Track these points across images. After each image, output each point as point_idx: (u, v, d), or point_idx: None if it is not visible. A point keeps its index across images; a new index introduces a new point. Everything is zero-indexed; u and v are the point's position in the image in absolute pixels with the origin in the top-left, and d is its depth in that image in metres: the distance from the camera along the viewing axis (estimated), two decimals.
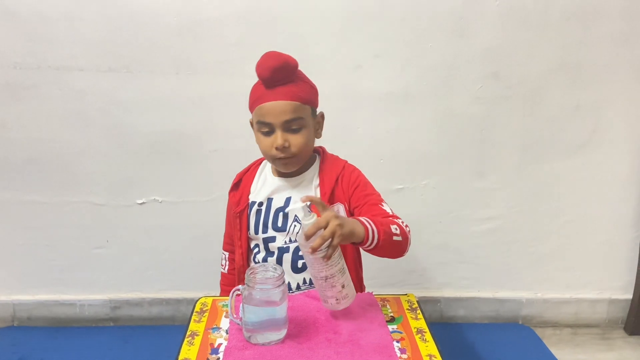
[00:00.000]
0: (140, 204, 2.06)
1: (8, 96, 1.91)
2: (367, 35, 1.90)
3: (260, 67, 1.17)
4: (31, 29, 1.85)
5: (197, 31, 1.87)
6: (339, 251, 1.03)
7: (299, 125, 1.20)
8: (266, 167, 1.34)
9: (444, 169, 2.05)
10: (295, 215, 1.25)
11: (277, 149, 1.19)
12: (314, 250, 0.96)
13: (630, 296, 2.20)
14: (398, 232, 1.10)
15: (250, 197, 1.31)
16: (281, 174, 1.30)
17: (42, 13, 1.83)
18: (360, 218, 1.07)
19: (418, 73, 1.94)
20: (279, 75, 1.16)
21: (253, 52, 1.86)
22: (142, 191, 2.05)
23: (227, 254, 1.40)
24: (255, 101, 1.22)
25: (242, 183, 1.33)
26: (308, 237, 0.98)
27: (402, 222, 1.16)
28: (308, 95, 1.22)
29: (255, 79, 1.24)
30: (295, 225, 1.25)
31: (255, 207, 1.29)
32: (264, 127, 1.20)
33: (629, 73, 1.96)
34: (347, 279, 1.07)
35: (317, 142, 1.32)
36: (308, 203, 1.02)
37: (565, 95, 1.98)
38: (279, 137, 1.19)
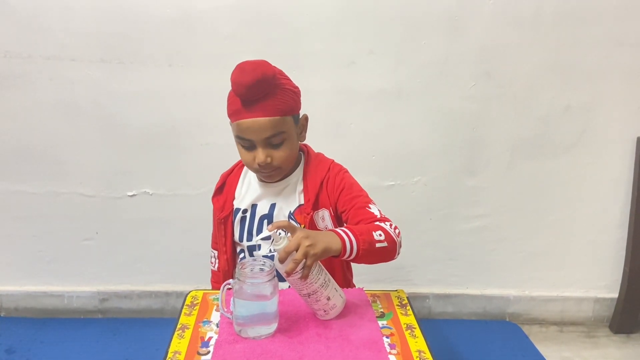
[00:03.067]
0: (131, 196, 2.05)
1: None
2: (361, 32, 1.90)
3: (235, 84, 1.09)
4: (22, 17, 1.83)
5: (190, 23, 1.86)
6: (318, 266, 1.02)
7: (281, 140, 1.15)
8: (250, 171, 1.30)
9: (435, 166, 2.06)
10: None
11: (259, 165, 1.15)
12: (289, 274, 0.96)
13: (616, 295, 2.23)
14: (382, 237, 1.08)
15: (234, 202, 1.28)
16: (264, 180, 1.27)
17: (33, 2, 1.81)
18: (338, 229, 1.05)
19: (411, 70, 1.94)
20: (256, 92, 1.09)
21: (246, 46, 1.88)
22: (133, 183, 2.04)
23: (215, 252, 1.38)
24: (232, 114, 1.15)
25: (225, 187, 1.30)
26: (282, 262, 0.98)
27: (391, 225, 1.13)
28: (288, 105, 1.15)
29: None
30: (280, 233, 1.24)
31: (240, 214, 1.26)
32: (244, 142, 1.16)
33: (619, 75, 1.98)
34: (331, 290, 1.06)
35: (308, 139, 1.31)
36: (276, 231, 1.00)
37: (556, 95, 1.99)
38: (260, 154, 1.14)
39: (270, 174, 1.20)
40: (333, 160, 1.30)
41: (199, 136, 1.98)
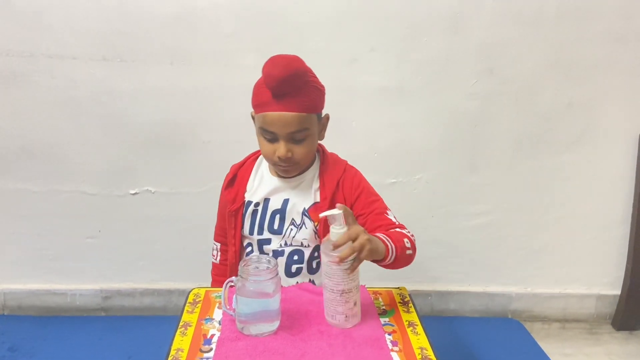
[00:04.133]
0: (133, 194, 2.05)
1: (0, 83, 1.89)
2: (363, 29, 1.90)
3: (267, 76, 1.11)
4: (25, 16, 1.83)
5: (192, 21, 1.86)
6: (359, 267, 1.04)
7: (304, 136, 1.16)
8: (262, 164, 1.31)
9: (437, 163, 2.06)
10: (293, 219, 1.23)
11: (279, 158, 1.16)
12: (342, 260, 0.96)
13: (618, 292, 2.23)
14: (409, 245, 1.12)
15: (246, 195, 1.27)
16: (279, 174, 1.27)
17: (35, 0, 1.81)
18: (379, 235, 1.07)
19: (413, 68, 1.94)
20: (287, 87, 1.10)
21: (248, 44, 1.88)
22: (135, 181, 2.04)
23: (218, 244, 1.38)
24: (259, 106, 1.16)
25: (237, 179, 1.29)
26: (337, 247, 0.97)
27: (410, 234, 1.17)
28: (315, 103, 1.17)
29: (253, 70, 1.21)
30: (291, 229, 1.23)
31: (252, 207, 1.26)
32: (266, 134, 1.16)
33: (621, 71, 1.97)
34: (359, 297, 1.06)
35: None
36: (342, 211, 1.00)
37: (558, 92, 1.99)
38: (282, 148, 1.15)
39: (288, 169, 1.21)
40: (347, 161, 1.31)
41: (201, 134, 1.98)
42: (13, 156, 1.98)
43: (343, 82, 1.93)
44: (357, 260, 0.99)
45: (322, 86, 1.20)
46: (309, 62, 1.27)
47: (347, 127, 1.97)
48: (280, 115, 1.12)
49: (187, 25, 1.86)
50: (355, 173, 1.29)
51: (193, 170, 2.02)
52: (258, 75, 1.31)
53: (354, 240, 0.97)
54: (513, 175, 2.09)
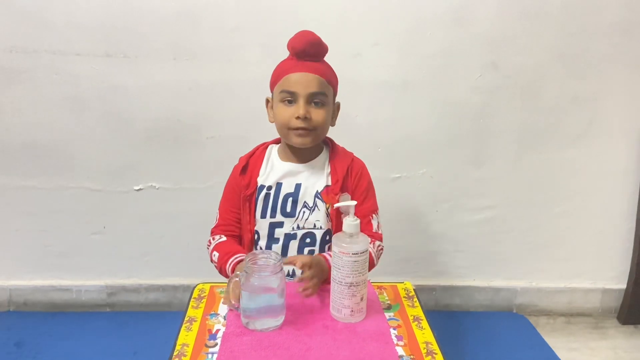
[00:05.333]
0: (137, 190, 2.05)
1: (3, 80, 1.90)
2: (366, 23, 1.89)
3: (295, 40, 1.20)
4: (27, 13, 1.83)
5: (195, 16, 1.86)
6: (367, 262, 1.06)
7: (322, 101, 1.22)
8: (272, 153, 1.32)
9: (441, 158, 2.05)
10: (305, 202, 1.25)
11: (297, 117, 1.20)
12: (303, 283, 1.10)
13: (623, 286, 2.22)
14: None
15: (258, 179, 1.29)
16: (290, 159, 1.29)
17: None
18: (327, 257, 1.17)
19: (416, 61, 1.93)
20: (312, 50, 1.20)
21: (251, 38, 1.88)
22: (139, 177, 2.04)
23: (221, 237, 1.33)
24: (281, 72, 1.23)
25: (249, 167, 1.30)
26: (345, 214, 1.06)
27: (378, 246, 1.26)
28: (333, 78, 1.27)
29: (268, 62, 1.26)
30: (304, 212, 1.25)
31: (264, 191, 1.27)
32: (287, 96, 1.21)
33: (627, 65, 1.96)
34: (366, 294, 1.08)
35: None
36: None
37: (563, 86, 1.98)
38: (301, 107, 1.20)
39: (303, 135, 1.22)
40: (353, 154, 1.35)
41: (204, 129, 1.98)
42: (17, 153, 1.98)
43: (346, 77, 1.88)
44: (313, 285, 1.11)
45: (337, 75, 1.30)
46: None
47: (351, 121, 1.96)
48: (303, 75, 1.20)
49: (190, 20, 1.86)
50: (362, 166, 1.33)
51: (197, 165, 2.02)
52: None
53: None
54: (518, 170, 2.08)
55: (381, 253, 1.28)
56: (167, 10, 1.84)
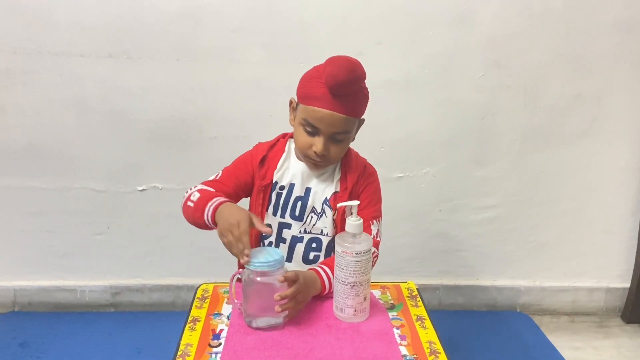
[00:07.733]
0: (141, 190, 2.06)
1: (7, 82, 1.90)
2: (369, 22, 1.89)
3: (330, 76, 1.12)
4: (31, 14, 1.84)
5: (197, 17, 1.86)
6: (371, 261, 1.06)
7: (344, 138, 1.19)
8: (291, 149, 1.31)
9: (444, 157, 2.05)
10: (314, 207, 1.25)
11: (315, 152, 1.18)
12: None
13: (627, 285, 2.21)
14: None
15: (275, 174, 1.27)
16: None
17: None
18: (321, 272, 1.14)
19: (419, 61, 1.93)
20: (346, 90, 1.14)
21: (254, 39, 1.88)
22: (143, 178, 2.05)
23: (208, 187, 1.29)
24: (309, 98, 1.16)
25: (267, 160, 1.28)
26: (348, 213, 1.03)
27: (373, 253, 1.18)
28: (362, 109, 1.22)
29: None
30: (312, 217, 1.25)
31: (277, 189, 1.27)
32: (308, 127, 1.17)
33: (629, 63, 1.96)
34: (369, 294, 1.08)
35: None
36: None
37: (565, 84, 1.98)
38: (320, 144, 1.16)
39: (318, 164, 1.22)
40: (366, 160, 1.34)
41: (207, 130, 1.98)
42: (21, 154, 1.99)
43: None
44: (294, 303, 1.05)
45: (368, 93, 1.23)
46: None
47: None
48: (330, 115, 1.14)
49: (193, 21, 1.86)
50: (373, 172, 1.31)
51: (200, 166, 2.02)
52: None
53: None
54: (521, 168, 2.08)
55: (376, 261, 1.22)
56: (170, 11, 1.85)
